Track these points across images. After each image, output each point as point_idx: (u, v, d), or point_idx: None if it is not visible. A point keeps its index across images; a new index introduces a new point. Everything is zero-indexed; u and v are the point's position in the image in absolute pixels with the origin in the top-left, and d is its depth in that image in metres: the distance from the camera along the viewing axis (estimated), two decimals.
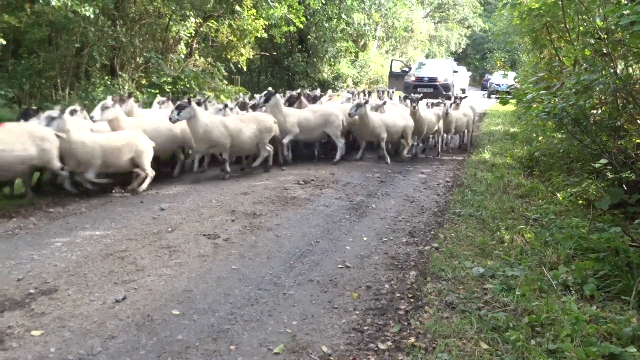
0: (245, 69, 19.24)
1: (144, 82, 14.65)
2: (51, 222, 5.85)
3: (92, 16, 11.16)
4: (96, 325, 3.54)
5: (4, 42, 10.95)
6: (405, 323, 3.69)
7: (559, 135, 9.00)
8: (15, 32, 12.45)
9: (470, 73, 34.80)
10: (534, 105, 7.28)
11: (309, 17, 21.03)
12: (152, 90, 13.53)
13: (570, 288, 4.13)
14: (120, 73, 14.23)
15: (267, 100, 8.97)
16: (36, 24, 12.12)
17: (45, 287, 4.13)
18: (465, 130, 12.36)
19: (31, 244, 5.11)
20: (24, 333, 3.42)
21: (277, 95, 9.28)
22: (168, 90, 13.46)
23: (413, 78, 22.83)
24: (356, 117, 9.48)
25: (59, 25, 12.22)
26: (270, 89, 9.31)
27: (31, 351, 3.21)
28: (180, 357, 3.21)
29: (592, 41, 6.94)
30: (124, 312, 3.74)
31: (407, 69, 25.26)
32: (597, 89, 6.21)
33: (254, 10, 16.15)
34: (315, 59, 23.10)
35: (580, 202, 6.60)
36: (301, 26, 18.90)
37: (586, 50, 7.14)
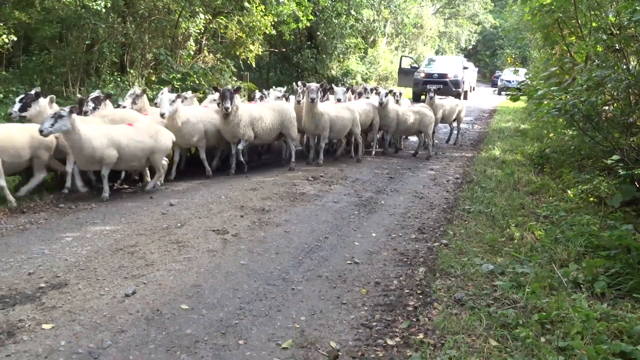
0: (254, 65, 19.22)
1: (153, 78, 14.69)
2: (61, 217, 5.89)
3: (102, 11, 11.19)
4: (106, 319, 3.57)
5: (15, 39, 11.04)
6: (414, 319, 3.68)
7: (570, 132, 8.93)
8: (26, 28, 12.51)
9: (477, 69, 34.61)
10: (545, 102, 7.22)
11: (318, 13, 20.97)
12: (162, 87, 13.57)
13: (581, 286, 4.09)
14: (129, 70, 14.28)
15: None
16: (47, 21, 12.18)
17: (56, 281, 4.17)
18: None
19: (42, 238, 5.15)
20: (35, 326, 3.45)
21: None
22: (177, 86, 13.49)
23: (423, 74, 22.76)
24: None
25: (69, 22, 12.27)
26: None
27: (42, 344, 3.24)
28: (189, 351, 3.22)
29: (605, 37, 6.87)
30: (133, 307, 3.76)
31: (416, 66, 25.17)
32: (609, 85, 6.16)
33: (262, 6, 16.12)
34: (324, 56, 23.04)
35: (592, 199, 6.55)
36: (308, 24, 18.86)
37: (598, 46, 7.07)
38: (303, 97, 9.03)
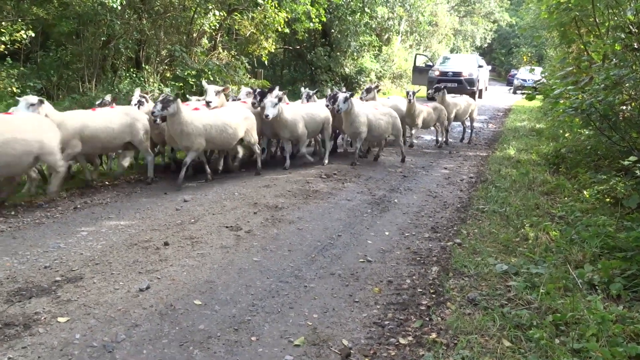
0: (267, 62, 19.24)
1: (168, 75, 14.77)
2: (77, 212, 5.96)
3: (118, 7, 11.27)
4: (120, 313, 3.60)
5: (33, 35, 11.17)
6: (427, 318, 3.67)
7: (587, 132, 8.82)
8: (43, 24, 12.66)
9: (490, 67, 34.30)
10: (561, 101, 7.15)
11: (332, 10, 20.93)
12: (176, 84, 13.64)
13: (596, 287, 4.04)
14: (145, 66, 14.37)
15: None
16: (64, 17, 12.30)
17: (71, 274, 4.22)
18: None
19: (58, 232, 5.21)
20: (51, 319, 3.50)
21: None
22: (192, 83, 13.56)
23: (437, 73, 22.62)
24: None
25: (86, 18, 12.39)
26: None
27: (57, 337, 3.28)
28: (201, 346, 3.24)
29: (623, 35, 6.77)
30: (147, 301, 3.79)
31: (431, 64, 25.03)
32: (627, 84, 6.07)
33: (276, 2, 16.13)
34: (338, 53, 22.99)
35: (608, 200, 6.46)
36: (319, 27, 18.81)
37: (616, 44, 6.97)
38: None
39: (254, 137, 8.01)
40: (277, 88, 9.09)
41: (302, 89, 10.22)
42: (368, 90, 11.22)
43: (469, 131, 12.65)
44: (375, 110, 9.32)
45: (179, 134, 6.96)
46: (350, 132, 9.04)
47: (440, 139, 11.99)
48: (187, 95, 10.41)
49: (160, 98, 6.77)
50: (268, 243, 5.09)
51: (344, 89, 11.95)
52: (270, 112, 7.73)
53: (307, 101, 9.73)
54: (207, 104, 7.83)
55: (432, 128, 11.90)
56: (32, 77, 11.65)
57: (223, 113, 7.61)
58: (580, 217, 5.76)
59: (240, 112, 7.80)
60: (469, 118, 12.45)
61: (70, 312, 3.60)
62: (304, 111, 8.76)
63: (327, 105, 9.24)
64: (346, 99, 8.58)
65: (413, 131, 11.66)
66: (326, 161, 9.18)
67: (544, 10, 9.52)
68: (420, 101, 11.64)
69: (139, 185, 7.31)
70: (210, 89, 8.13)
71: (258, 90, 8.57)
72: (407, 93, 10.43)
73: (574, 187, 7.22)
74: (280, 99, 8.17)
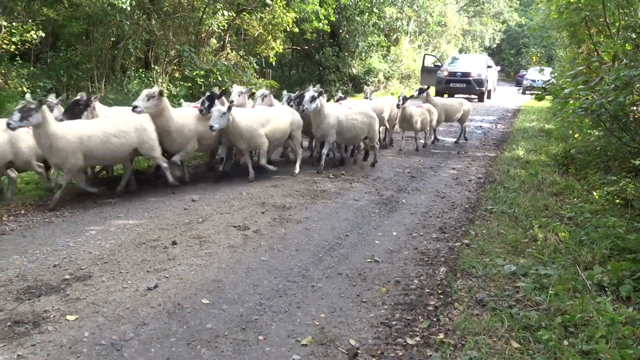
0: (274, 63, 19.27)
1: (177, 75, 14.83)
2: (86, 211, 5.99)
3: (128, 8, 11.35)
4: (129, 312, 3.62)
5: (43, 35, 11.25)
6: (435, 319, 3.65)
7: (596, 133, 8.75)
8: (53, 25, 12.75)
9: (499, 68, 34.16)
10: (571, 102, 7.10)
11: (340, 10, 20.92)
12: (185, 84, 13.70)
13: (606, 289, 4.01)
14: (154, 66, 14.44)
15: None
16: (74, 17, 12.38)
17: (80, 273, 4.24)
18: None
19: (67, 231, 5.25)
20: (60, 317, 3.52)
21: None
22: (200, 83, 13.61)
23: (446, 73, 22.56)
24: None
25: (95, 19, 12.48)
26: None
27: (66, 335, 3.30)
28: (209, 345, 3.25)
29: (634, 35, 6.73)
30: (155, 300, 3.81)
31: (439, 64, 24.97)
32: (638, 85, 6.02)
33: (284, 2, 16.14)
34: (346, 54, 22.99)
35: (618, 201, 6.41)
36: (327, 28, 18.81)
37: (627, 44, 6.93)
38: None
39: (155, 151, 6.71)
40: (238, 89, 8.34)
41: (284, 92, 9.38)
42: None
43: (460, 131, 12.62)
44: (349, 110, 8.50)
45: (48, 149, 5.81)
46: (318, 134, 8.30)
47: (425, 140, 11.63)
48: (182, 100, 10.43)
49: (19, 106, 5.53)
50: (276, 243, 5.10)
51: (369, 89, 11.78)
52: (217, 122, 6.70)
53: (262, 102, 8.63)
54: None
55: (440, 127, 11.84)
56: (42, 77, 11.74)
57: (106, 122, 6.47)
58: (589, 218, 5.72)
59: (131, 121, 6.56)
60: (461, 119, 12.23)
61: (79, 311, 3.62)
62: (264, 116, 7.61)
63: (291, 105, 8.55)
64: (313, 99, 7.75)
65: (420, 134, 11.35)
66: (296, 171, 8.14)
67: (553, 10, 9.47)
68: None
69: (147, 185, 7.33)
70: (236, 89, 8.12)
71: (208, 94, 7.57)
72: (398, 98, 10.01)
73: (583, 188, 7.17)
74: (264, 97, 8.01)
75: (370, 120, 8.63)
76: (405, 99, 10.04)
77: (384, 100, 11.07)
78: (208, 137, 7.33)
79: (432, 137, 12.09)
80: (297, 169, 8.18)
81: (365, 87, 11.37)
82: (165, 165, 6.87)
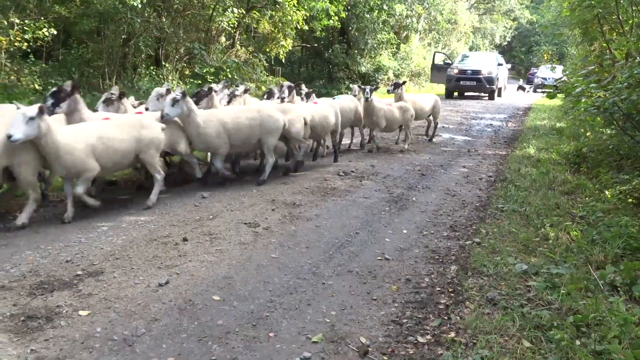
0: (284, 60, 19.29)
1: (187, 72, 14.90)
2: (98, 207, 6.02)
3: (139, 6, 11.41)
4: (140, 308, 3.64)
5: (55, 32, 11.34)
6: (446, 317, 3.64)
7: (609, 131, 8.70)
8: (65, 22, 12.85)
9: (509, 65, 33.95)
10: (583, 100, 7.05)
11: (350, 8, 20.89)
12: (195, 81, 13.76)
13: (618, 289, 3.98)
14: (164, 63, 14.51)
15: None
16: (85, 15, 12.48)
17: (92, 269, 4.27)
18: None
19: (79, 227, 5.28)
20: (72, 312, 3.55)
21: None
22: (210, 80, 13.66)
23: (456, 71, 22.47)
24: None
25: (106, 16, 12.57)
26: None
27: (79, 330, 3.33)
28: (220, 342, 3.26)
29: None
30: (166, 296, 3.83)
31: (449, 62, 24.86)
32: None
33: (295, 1, 16.15)
34: (355, 51, 22.95)
35: (630, 200, 6.36)
36: (338, 25, 18.79)
37: None
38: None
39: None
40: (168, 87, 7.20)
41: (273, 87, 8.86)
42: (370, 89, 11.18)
43: (433, 127, 12.09)
44: (238, 111, 7.17)
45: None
46: (198, 148, 7.09)
47: (405, 144, 10.54)
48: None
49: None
50: (286, 240, 5.11)
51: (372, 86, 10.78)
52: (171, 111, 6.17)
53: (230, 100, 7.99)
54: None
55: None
56: (54, 74, 11.84)
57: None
58: (601, 217, 5.68)
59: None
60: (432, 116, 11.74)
61: (91, 306, 3.64)
62: (226, 116, 6.87)
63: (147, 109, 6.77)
64: (175, 101, 6.26)
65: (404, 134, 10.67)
66: (264, 178, 7.27)
67: (565, 8, 9.42)
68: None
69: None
70: (155, 92, 6.89)
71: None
72: (364, 91, 9.24)
73: (595, 187, 7.12)
74: (233, 96, 7.77)
75: (263, 120, 7.05)
76: (371, 91, 9.34)
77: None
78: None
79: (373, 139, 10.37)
80: (265, 177, 7.31)
81: (353, 85, 10.65)
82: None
